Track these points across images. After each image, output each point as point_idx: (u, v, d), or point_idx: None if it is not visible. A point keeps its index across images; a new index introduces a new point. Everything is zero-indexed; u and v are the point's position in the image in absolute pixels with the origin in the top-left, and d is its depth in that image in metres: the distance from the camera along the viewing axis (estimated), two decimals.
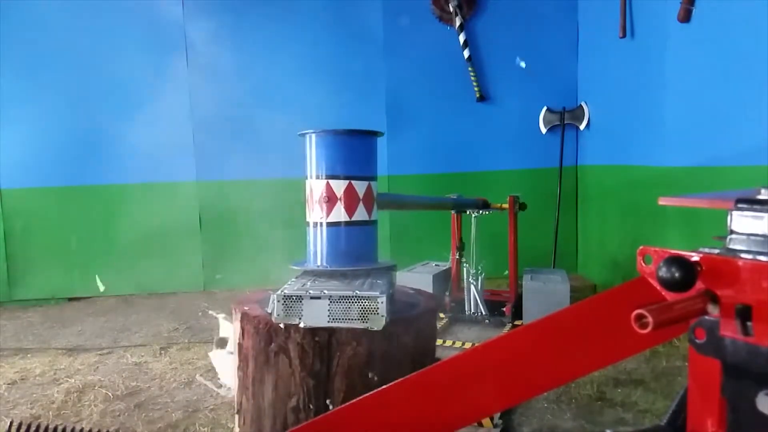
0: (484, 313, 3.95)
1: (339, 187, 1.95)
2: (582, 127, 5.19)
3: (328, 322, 1.71)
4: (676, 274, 0.75)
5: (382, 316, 1.68)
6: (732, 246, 0.78)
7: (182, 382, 3.01)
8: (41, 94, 5.09)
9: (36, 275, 5.18)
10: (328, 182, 1.95)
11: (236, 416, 2.00)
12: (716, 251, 0.78)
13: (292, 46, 5.31)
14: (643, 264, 0.85)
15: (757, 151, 2.85)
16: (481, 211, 4.11)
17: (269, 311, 1.77)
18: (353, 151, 2.01)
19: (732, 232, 0.79)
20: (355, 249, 2.01)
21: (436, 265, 4.47)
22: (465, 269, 4.05)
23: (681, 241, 3.53)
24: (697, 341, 0.79)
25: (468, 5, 5.27)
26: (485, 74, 5.39)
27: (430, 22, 5.33)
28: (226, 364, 2.76)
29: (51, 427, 1.85)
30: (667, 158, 3.72)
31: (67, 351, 3.64)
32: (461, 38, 5.27)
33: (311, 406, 1.75)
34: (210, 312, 2.98)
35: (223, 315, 3.00)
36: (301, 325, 1.72)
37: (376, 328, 1.69)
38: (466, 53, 5.29)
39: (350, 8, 5.30)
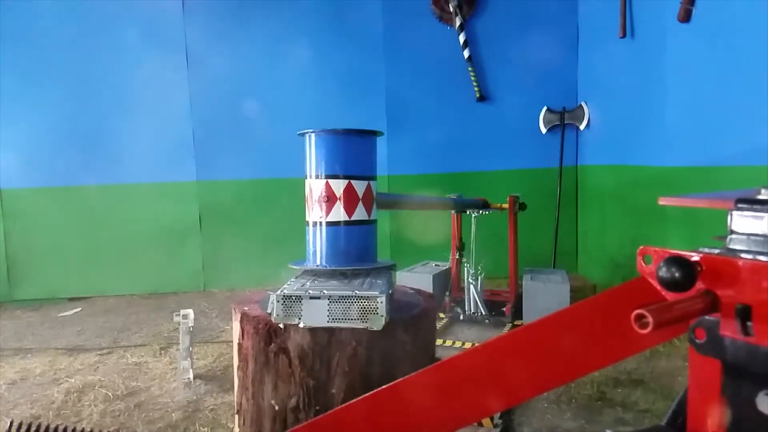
0: (484, 313, 3.95)
1: (338, 186, 1.95)
2: (582, 127, 5.19)
3: (328, 322, 1.71)
4: (676, 274, 0.75)
5: (382, 315, 1.68)
6: (732, 246, 0.78)
7: (182, 382, 3.01)
8: (41, 94, 5.09)
9: (36, 275, 5.19)
10: (327, 182, 1.95)
11: (236, 416, 2.00)
12: (716, 251, 0.78)
13: (292, 45, 5.31)
14: (643, 264, 0.85)
15: (757, 151, 2.85)
16: (481, 211, 4.10)
17: (269, 311, 1.77)
18: (352, 151, 2.00)
19: (732, 232, 0.79)
20: (354, 248, 2.00)
21: (436, 265, 4.47)
22: (465, 269, 4.05)
23: (681, 241, 3.53)
24: (697, 341, 0.79)
25: (468, 5, 5.27)
26: (485, 74, 5.39)
27: (430, 22, 5.33)
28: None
29: (51, 427, 1.85)
30: (668, 158, 3.72)
31: (67, 351, 3.64)
32: (461, 38, 5.27)
33: (311, 406, 1.75)
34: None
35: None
36: (301, 325, 1.72)
37: (375, 328, 1.69)
38: (466, 53, 5.29)
39: (350, 8, 5.30)
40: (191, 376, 3.03)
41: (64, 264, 5.22)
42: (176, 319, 3.04)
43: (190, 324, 3.05)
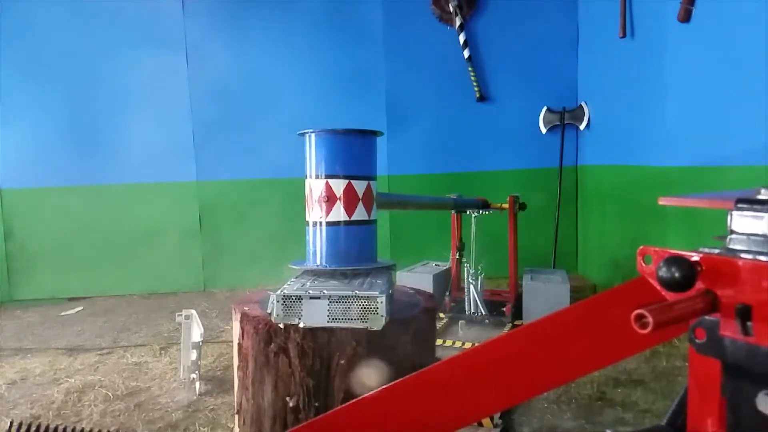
0: (484, 313, 3.95)
1: (338, 186, 1.95)
2: (582, 127, 5.19)
3: (328, 322, 1.71)
4: (676, 274, 0.74)
5: (382, 315, 1.68)
6: (732, 246, 0.78)
7: (182, 382, 3.01)
8: (41, 94, 5.09)
9: (36, 275, 5.19)
10: (327, 182, 1.95)
11: (236, 416, 2.00)
12: (716, 251, 0.78)
13: (292, 46, 5.31)
14: (643, 264, 0.84)
15: (757, 151, 2.85)
16: (481, 211, 4.10)
17: (269, 311, 1.77)
18: (352, 151, 2.00)
19: (732, 232, 0.79)
20: (354, 248, 2.00)
21: (436, 265, 4.47)
22: (465, 269, 4.05)
23: (681, 241, 3.53)
24: (697, 341, 0.79)
25: (468, 5, 5.27)
26: (485, 74, 5.39)
27: (430, 22, 5.33)
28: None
29: (51, 427, 1.85)
30: (668, 158, 3.72)
31: (67, 351, 3.64)
32: (461, 38, 5.27)
33: (311, 406, 1.75)
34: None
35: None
36: (301, 325, 1.72)
37: (375, 328, 1.69)
38: (466, 53, 5.29)
39: (350, 8, 5.30)
40: (197, 381, 2.96)
41: (64, 264, 5.22)
42: (178, 319, 3.00)
43: (198, 339, 2.93)
